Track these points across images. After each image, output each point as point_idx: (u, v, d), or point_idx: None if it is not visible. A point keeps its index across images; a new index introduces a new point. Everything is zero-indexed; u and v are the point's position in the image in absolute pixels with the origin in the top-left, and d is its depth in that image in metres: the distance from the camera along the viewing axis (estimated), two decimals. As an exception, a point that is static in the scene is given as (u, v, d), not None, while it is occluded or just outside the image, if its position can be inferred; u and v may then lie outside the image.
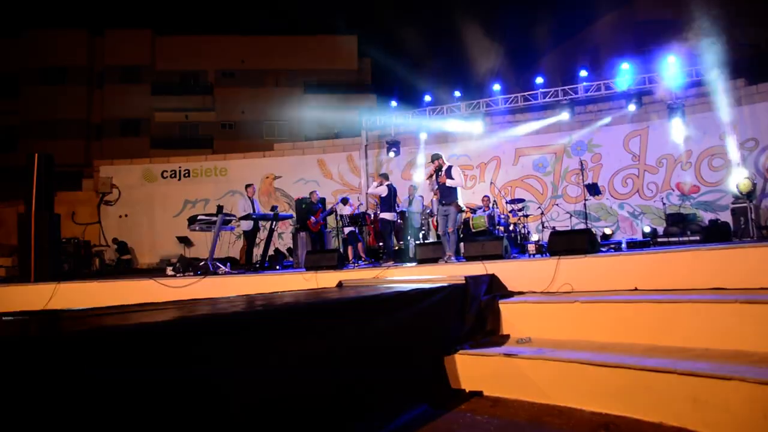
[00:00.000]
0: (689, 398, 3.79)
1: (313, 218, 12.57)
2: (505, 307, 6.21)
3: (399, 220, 12.43)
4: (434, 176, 9.91)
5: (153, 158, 22.69)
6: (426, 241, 12.32)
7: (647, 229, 13.42)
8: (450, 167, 9.87)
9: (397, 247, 12.85)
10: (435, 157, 10.05)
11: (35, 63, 32.10)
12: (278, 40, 34.11)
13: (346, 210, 13.03)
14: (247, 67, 34.31)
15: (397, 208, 12.44)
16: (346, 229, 12.52)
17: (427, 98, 17.47)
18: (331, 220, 13.43)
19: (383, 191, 11.37)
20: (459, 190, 9.97)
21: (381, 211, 11.74)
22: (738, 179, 13.09)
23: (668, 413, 3.89)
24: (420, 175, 17.30)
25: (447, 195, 9.79)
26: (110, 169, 21.00)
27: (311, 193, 13.23)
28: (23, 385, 2.12)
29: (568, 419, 4.13)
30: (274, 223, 11.54)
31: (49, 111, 31.57)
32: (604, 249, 9.03)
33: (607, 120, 16.43)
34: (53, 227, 11.29)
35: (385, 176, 11.81)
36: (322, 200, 13.68)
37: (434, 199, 12.26)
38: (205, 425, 2.81)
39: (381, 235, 12.10)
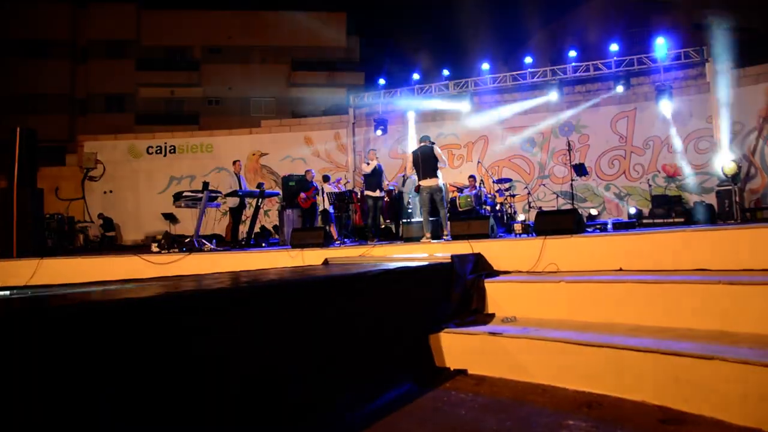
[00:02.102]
0: (672, 377, 3.83)
1: (303, 194, 12.50)
2: (490, 286, 6.22)
3: (386, 199, 12.41)
4: None
5: (138, 134, 22.47)
6: (412, 220, 12.31)
7: (633, 211, 13.50)
8: None
9: (384, 226, 12.84)
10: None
11: (16, 36, 31.50)
12: (266, 16, 33.72)
13: (327, 187, 12.97)
14: (234, 43, 33.90)
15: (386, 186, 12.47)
16: (332, 208, 12.46)
17: (416, 76, 17.39)
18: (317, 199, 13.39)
19: (369, 169, 11.49)
20: (442, 171, 10.12)
21: (366, 189, 11.73)
22: (723, 162, 13.17)
23: (651, 392, 3.92)
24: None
25: None
26: (95, 145, 20.78)
27: (306, 172, 13.18)
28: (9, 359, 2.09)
29: (551, 397, 4.16)
30: (261, 200, 11.48)
31: (32, 85, 31.04)
32: (589, 229, 9.07)
33: (595, 101, 16.44)
34: (36, 203, 11.17)
35: (374, 152, 11.96)
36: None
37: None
38: (188, 401, 2.79)
39: (366, 213, 12.07)
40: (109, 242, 18.69)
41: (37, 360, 2.18)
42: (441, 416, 3.85)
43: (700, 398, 3.66)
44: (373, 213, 11.65)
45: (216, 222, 17.25)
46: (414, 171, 10.03)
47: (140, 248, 13.65)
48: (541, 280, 6.02)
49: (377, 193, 11.56)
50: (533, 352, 4.69)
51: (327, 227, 12.45)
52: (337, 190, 12.68)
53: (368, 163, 11.57)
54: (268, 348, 3.39)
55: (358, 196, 12.79)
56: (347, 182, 15.12)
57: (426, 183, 9.82)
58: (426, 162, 9.80)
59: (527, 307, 5.85)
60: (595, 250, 6.76)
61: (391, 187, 12.89)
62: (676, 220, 11.34)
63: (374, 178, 11.55)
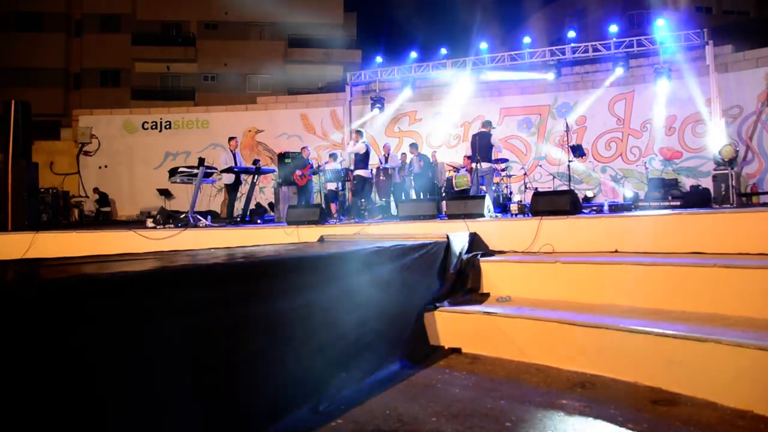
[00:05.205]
0: (664, 359, 3.84)
1: (299, 171, 12.47)
2: (486, 265, 6.21)
3: (381, 177, 12.42)
4: None
5: (133, 109, 22.33)
6: (407, 199, 12.32)
7: (629, 193, 13.50)
8: None
9: (379, 204, 12.86)
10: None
11: (10, 8, 31.13)
12: (263, -8, 33.42)
13: (335, 165, 13.01)
14: (231, 19, 33.61)
15: (380, 164, 12.51)
16: (329, 185, 12.46)
17: (413, 54, 17.29)
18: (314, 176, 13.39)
19: (362, 148, 11.61)
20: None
21: (356, 168, 11.82)
22: (720, 146, 13.15)
23: (643, 373, 3.94)
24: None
25: None
26: (90, 119, 20.67)
27: (303, 149, 13.16)
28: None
29: (545, 377, 4.18)
30: (256, 176, 11.45)
31: (26, 58, 30.78)
32: (585, 211, 9.07)
33: (593, 82, 16.39)
34: (31, 176, 11.11)
35: (360, 133, 12.06)
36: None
37: None
38: (176, 385, 2.79)
39: (356, 191, 12.12)
40: (104, 217, 18.66)
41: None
42: (434, 394, 3.86)
43: (693, 380, 3.67)
44: (363, 191, 11.80)
45: (211, 198, 17.19)
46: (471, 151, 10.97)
47: (135, 223, 13.60)
48: (537, 260, 6.02)
49: (366, 173, 11.79)
50: (528, 331, 4.71)
51: (330, 203, 12.50)
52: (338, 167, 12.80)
53: (361, 144, 11.83)
54: (260, 326, 3.38)
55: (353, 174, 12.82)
56: (343, 160, 15.08)
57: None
58: (482, 147, 10.60)
59: (522, 287, 5.85)
60: (591, 232, 6.75)
61: (391, 165, 12.93)
62: (672, 203, 11.33)
63: (365, 158, 11.71)
